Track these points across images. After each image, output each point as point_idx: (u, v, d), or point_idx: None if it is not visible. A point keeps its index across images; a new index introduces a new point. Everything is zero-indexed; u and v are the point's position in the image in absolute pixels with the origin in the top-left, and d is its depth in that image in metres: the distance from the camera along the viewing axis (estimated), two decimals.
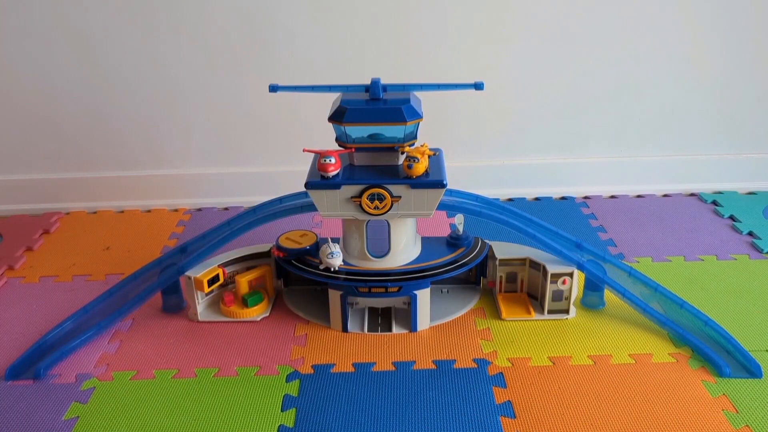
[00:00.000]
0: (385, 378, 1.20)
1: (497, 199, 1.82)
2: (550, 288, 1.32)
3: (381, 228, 1.28)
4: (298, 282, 1.45)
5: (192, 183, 1.89)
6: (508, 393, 1.15)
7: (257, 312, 1.36)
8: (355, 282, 1.28)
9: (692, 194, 1.91)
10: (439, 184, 1.20)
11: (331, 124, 1.22)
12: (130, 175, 1.88)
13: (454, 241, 1.37)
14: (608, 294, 1.36)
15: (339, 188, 1.21)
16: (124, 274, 1.52)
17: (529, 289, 1.40)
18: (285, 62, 1.74)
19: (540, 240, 1.30)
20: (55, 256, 1.66)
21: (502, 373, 1.20)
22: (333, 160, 1.20)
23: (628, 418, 1.09)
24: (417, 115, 1.19)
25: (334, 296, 1.30)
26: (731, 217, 1.75)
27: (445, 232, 1.44)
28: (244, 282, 1.36)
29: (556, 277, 1.31)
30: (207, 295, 1.38)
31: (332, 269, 1.27)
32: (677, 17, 1.72)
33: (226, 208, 1.90)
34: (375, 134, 1.22)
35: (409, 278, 1.28)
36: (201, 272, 1.32)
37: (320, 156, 1.20)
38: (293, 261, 1.33)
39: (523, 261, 1.38)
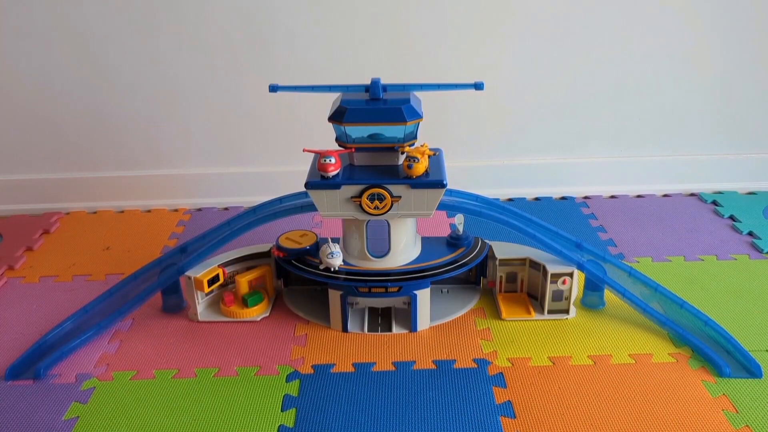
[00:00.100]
0: (385, 378, 1.20)
1: (497, 199, 1.82)
2: (550, 288, 1.32)
3: (381, 228, 1.28)
4: (298, 282, 1.45)
5: (192, 183, 1.89)
6: (508, 393, 1.15)
7: (257, 312, 1.36)
8: (355, 282, 1.28)
9: (692, 194, 1.91)
10: (439, 184, 1.20)
11: (331, 124, 1.22)
12: (130, 175, 1.88)
13: (454, 241, 1.37)
14: (608, 294, 1.36)
15: (339, 188, 1.21)
16: (124, 274, 1.52)
17: (529, 289, 1.40)
18: (285, 62, 1.74)
19: (540, 240, 1.30)
20: (55, 256, 1.66)
21: (502, 373, 1.20)
22: (333, 160, 1.20)
23: (628, 418, 1.09)
24: (417, 115, 1.19)
25: (334, 296, 1.30)
26: (731, 217, 1.75)
27: (445, 232, 1.44)
28: (244, 282, 1.36)
29: (556, 277, 1.31)
30: (207, 295, 1.38)
31: (332, 269, 1.27)
32: (677, 17, 1.73)
33: (226, 208, 1.90)
34: (375, 134, 1.22)
35: (409, 278, 1.28)
36: (201, 272, 1.32)
37: (320, 156, 1.20)
38: (293, 261, 1.33)
39: (523, 261, 1.38)
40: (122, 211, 1.90)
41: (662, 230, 1.70)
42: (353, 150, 1.24)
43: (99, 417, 1.12)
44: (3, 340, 1.33)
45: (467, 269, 1.33)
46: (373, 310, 1.37)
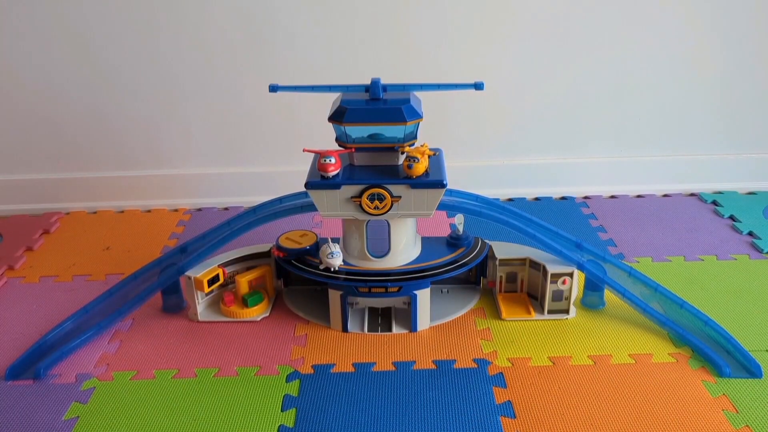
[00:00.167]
0: (385, 378, 1.20)
1: (497, 199, 1.82)
2: (550, 288, 1.32)
3: (381, 228, 1.28)
4: (298, 282, 1.45)
5: (192, 183, 1.89)
6: (508, 393, 1.15)
7: (257, 312, 1.36)
8: (355, 282, 1.28)
9: (692, 194, 1.91)
10: (439, 184, 1.20)
11: (331, 124, 1.22)
12: (130, 175, 1.88)
13: (454, 241, 1.37)
14: (608, 294, 1.36)
15: (339, 188, 1.21)
16: (124, 274, 1.52)
17: (529, 289, 1.40)
18: (285, 62, 1.74)
19: (540, 240, 1.30)
20: (55, 256, 1.66)
21: (502, 373, 1.20)
22: (333, 160, 1.20)
23: (628, 418, 1.09)
24: (417, 115, 1.19)
25: (334, 296, 1.30)
26: (731, 217, 1.75)
27: (445, 232, 1.44)
28: (244, 282, 1.36)
29: (556, 277, 1.31)
30: (207, 295, 1.38)
31: (332, 269, 1.27)
32: (677, 17, 1.73)
33: (226, 208, 1.90)
34: (375, 134, 1.22)
35: (409, 278, 1.28)
36: (201, 272, 1.32)
37: (320, 156, 1.20)
38: (293, 261, 1.33)
39: (523, 261, 1.38)
40: (122, 211, 1.90)
41: (662, 230, 1.70)
42: (353, 150, 1.24)
43: (99, 417, 1.12)
44: (3, 340, 1.33)
45: (467, 269, 1.33)
46: (373, 310, 1.37)
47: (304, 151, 1.25)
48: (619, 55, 1.76)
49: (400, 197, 1.21)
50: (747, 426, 1.07)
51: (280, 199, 1.36)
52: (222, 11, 1.69)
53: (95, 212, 1.90)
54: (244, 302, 1.36)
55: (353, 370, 1.22)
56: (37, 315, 1.41)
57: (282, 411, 1.13)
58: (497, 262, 1.37)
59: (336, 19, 1.70)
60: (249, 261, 1.41)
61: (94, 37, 1.71)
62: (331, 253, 1.26)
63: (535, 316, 1.34)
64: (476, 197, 1.35)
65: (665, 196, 1.91)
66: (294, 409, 1.13)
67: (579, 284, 1.36)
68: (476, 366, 1.22)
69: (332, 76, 1.70)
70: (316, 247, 1.33)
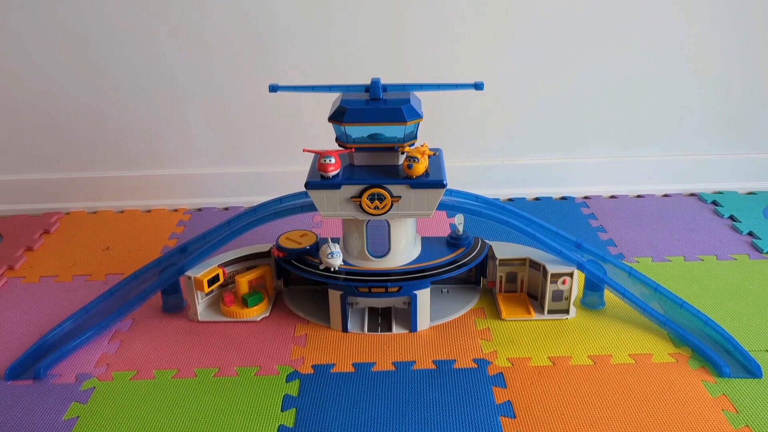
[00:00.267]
0: (385, 378, 1.20)
1: (497, 199, 1.82)
2: (550, 288, 1.32)
3: (381, 228, 1.28)
4: (298, 282, 1.45)
5: (192, 183, 1.89)
6: (508, 393, 1.15)
7: (257, 312, 1.36)
8: (355, 282, 1.28)
9: (692, 194, 1.91)
10: (439, 184, 1.20)
11: (331, 124, 1.22)
12: (130, 175, 1.88)
13: (454, 241, 1.37)
14: (608, 294, 1.36)
15: (339, 188, 1.21)
16: (124, 274, 1.52)
17: (529, 289, 1.40)
18: (285, 62, 1.74)
19: (540, 240, 1.30)
20: (55, 256, 1.66)
21: (502, 373, 1.20)
22: (333, 160, 1.20)
23: (628, 418, 1.09)
24: (417, 115, 1.19)
25: (334, 296, 1.30)
26: (731, 217, 1.75)
27: (445, 232, 1.44)
28: (244, 282, 1.36)
29: (556, 277, 1.31)
30: (207, 295, 1.38)
31: (332, 269, 1.27)
32: (677, 17, 1.72)
33: (226, 208, 1.90)
34: (375, 134, 1.22)
35: (409, 278, 1.28)
36: (201, 272, 1.32)
37: (320, 156, 1.20)
38: (293, 261, 1.33)
39: (523, 261, 1.38)
40: (122, 211, 1.90)
41: (662, 230, 1.70)
42: (353, 150, 1.24)
43: (99, 417, 1.12)
44: (3, 340, 1.33)
45: (467, 269, 1.33)
46: (373, 310, 1.37)
47: (304, 151, 1.25)
48: (619, 55, 1.76)
49: (400, 197, 1.21)
50: (747, 426, 1.07)
51: (280, 199, 1.36)
52: (222, 11, 1.69)
53: (95, 212, 1.90)
54: (244, 302, 1.36)
55: (353, 370, 1.22)
56: (37, 315, 1.41)
57: (282, 411, 1.13)
58: (497, 262, 1.37)
59: (336, 19, 1.70)
60: (249, 261, 1.41)
61: (94, 37, 1.71)
62: (331, 253, 1.26)
63: (535, 316, 1.34)
64: (476, 197, 1.35)
65: (665, 196, 1.91)
66: (294, 409, 1.13)
67: (579, 284, 1.37)
68: (476, 366, 1.22)
69: (332, 76, 1.70)
70: (316, 247, 1.33)
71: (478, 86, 1.22)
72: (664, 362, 1.22)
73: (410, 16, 1.71)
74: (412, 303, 1.29)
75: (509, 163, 1.89)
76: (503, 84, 1.78)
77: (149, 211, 1.90)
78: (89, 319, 1.34)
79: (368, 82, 1.22)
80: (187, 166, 1.88)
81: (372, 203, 1.21)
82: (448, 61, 1.75)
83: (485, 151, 1.88)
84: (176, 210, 1.90)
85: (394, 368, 1.22)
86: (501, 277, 1.39)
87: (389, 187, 1.20)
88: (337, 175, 1.21)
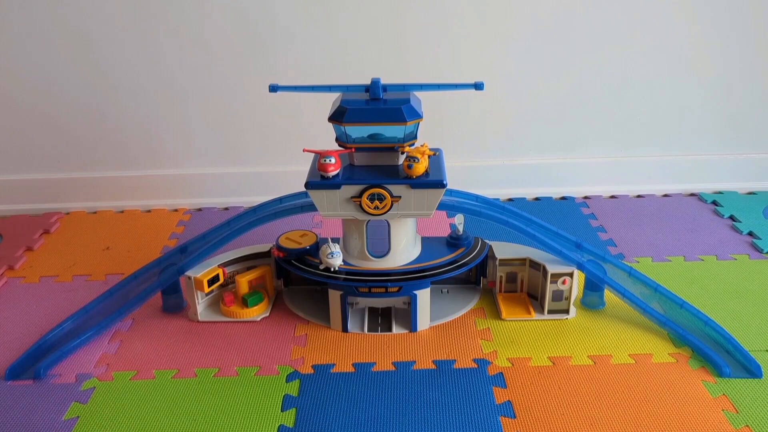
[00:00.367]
0: (385, 378, 1.20)
1: (497, 199, 1.82)
2: (550, 288, 1.32)
3: (381, 228, 1.28)
4: (298, 282, 1.45)
5: (192, 183, 1.89)
6: (508, 393, 1.15)
7: (257, 312, 1.36)
8: (355, 282, 1.28)
9: (692, 194, 1.91)
10: (439, 184, 1.20)
11: (331, 124, 1.22)
12: (130, 175, 1.88)
13: (454, 241, 1.37)
14: (608, 294, 1.36)
15: (339, 188, 1.21)
16: (124, 274, 1.52)
17: (529, 289, 1.40)
18: (285, 62, 1.74)
19: (540, 240, 1.30)
20: (55, 256, 1.66)
21: (502, 373, 1.20)
22: (333, 160, 1.20)
23: (628, 418, 1.09)
24: (417, 115, 1.19)
25: (334, 296, 1.30)
26: (731, 217, 1.75)
27: (445, 232, 1.44)
28: (244, 282, 1.36)
29: (556, 277, 1.31)
30: (207, 295, 1.38)
31: (332, 269, 1.27)
32: (677, 17, 1.72)
33: (226, 208, 1.90)
34: (375, 134, 1.22)
35: (409, 278, 1.28)
36: (201, 272, 1.32)
37: (320, 156, 1.20)
38: (293, 261, 1.33)
39: (523, 261, 1.38)
40: (122, 211, 1.90)
41: (662, 230, 1.70)
42: (353, 150, 1.24)
43: (99, 417, 1.12)
44: (3, 340, 1.33)
45: (467, 269, 1.33)
46: (373, 310, 1.37)
47: (304, 151, 1.25)
48: (619, 55, 1.76)
49: (400, 197, 1.21)
50: (747, 426, 1.07)
51: (280, 199, 1.36)
52: (222, 11, 1.69)
53: (95, 212, 1.90)
54: (244, 302, 1.36)
55: (353, 370, 1.22)
56: (37, 315, 1.41)
57: (282, 411, 1.13)
58: (497, 262, 1.37)
59: (336, 19, 1.70)
60: (249, 261, 1.41)
61: (94, 37, 1.71)
62: (331, 253, 1.26)
63: (535, 316, 1.34)
64: (476, 197, 1.35)
65: (665, 196, 1.91)
66: (294, 409, 1.13)
67: (579, 284, 1.37)
68: (476, 366, 1.22)
69: (332, 76, 1.70)
70: (316, 247, 1.33)
71: (478, 86, 1.22)
72: (664, 362, 1.22)
73: (410, 16, 1.71)
74: (412, 303, 1.29)
75: (509, 163, 1.89)
76: (503, 84, 1.78)
77: (149, 211, 1.90)
78: (89, 319, 1.34)
79: (368, 82, 1.22)
80: (187, 166, 1.88)
81: (372, 203, 1.21)
82: (448, 61, 1.75)
83: (485, 151, 1.88)
84: (176, 210, 1.91)
85: (394, 368, 1.22)
86: (501, 277, 1.39)
87: (389, 187, 1.20)
88: (337, 175, 1.21)
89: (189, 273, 1.32)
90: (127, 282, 1.40)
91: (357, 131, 1.21)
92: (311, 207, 1.25)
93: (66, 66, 1.74)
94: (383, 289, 1.28)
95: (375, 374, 1.21)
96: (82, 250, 1.68)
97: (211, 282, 1.33)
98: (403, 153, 1.24)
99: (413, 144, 1.24)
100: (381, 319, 1.35)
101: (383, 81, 1.21)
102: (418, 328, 1.32)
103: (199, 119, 1.82)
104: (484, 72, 1.72)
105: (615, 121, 1.85)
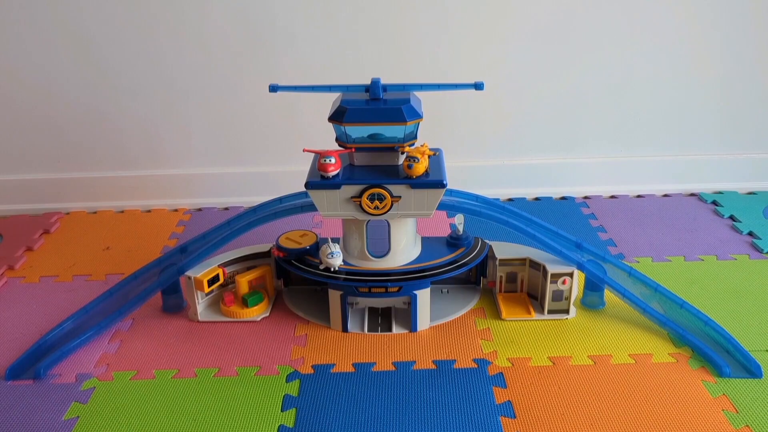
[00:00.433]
0: (385, 378, 1.20)
1: (497, 199, 1.82)
2: (550, 288, 1.32)
3: (381, 228, 1.28)
4: (298, 282, 1.45)
5: (192, 183, 1.89)
6: (508, 393, 1.15)
7: (257, 312, 1.36)
8: (355, 282, 1.28)
9: (692, 194, 1.91)
10: (439, 184, 1.20)
11: (331, 124, 1.22)
12: (130, 175, 1.88)
13: (454, 241, 1.37)
14: (608, 294, 1.36)
15: (339, 188, 1.21)
16: (124, 274, 1.52)
17: (529, 289, 1.40)
18: (285, 62, 1.74)
19: (540, 240, 1.30)
20: (55, 256, 1.66)
21: (502, 373, 1.20)
22: (333, 160, 1.20)
23: (628, 418, 1.09)
24: (417, 115, 1.19)
25: (334, 296, 1.30)
26: (731, 217, 1.75)
27: (445, 232, 1.44)
28: (244, 282, 1.36)
29: (556, 277, 1.31)
30: (207, 295, 1.38)
31: (332, 269, 1.27)
32: (677, 17, 1.72)
33: (226, 208, 1.90)
34: (375, 134, 1.22)
35: (409, 278, 1.28)
36: (201, 272, 1.32)
37: (320, 156, 1.20)
38: (293, 261, 1.33)
39: (523, 261, 1.38)
40: (122, 211, 1.90)
41: (662, 230, 1.70)
42: (353, 150, 1.24)
43: (99, 417, 1.12)
44: (3, 340, 1.33)
45: (467, 269, 1.33)
46: (373, 310, 1.37)
47: (304, 151, 1.25)
48: (619, 55, 1.76)
49: (400, 197, 1.21)
50: (747, 426, 1.07)
51: (280, 199, 1.36)
52: (222, 11, 1.69)
53: (95, 212, 1.90)
54: (244, 302, 1.36)
55: (353, 370, 1.22)
56: (37, 315, 1.41)
57: (282, 411, 1.13)
58: (497, 262, 1.37)
59: (336, 19, 1.70)
60: (249, 261, 1.41)
61: (94, 37, 1.71)
62: (331, 253, 1.26)
63: (535, 316, 1.34)
64: (476, 197, 1.35)
65: (665, 196, 1.91)
66: (294, 409, 1.13)
67: (579, 284, 1.37)
68: (476, 366, 1.22)
69: (332, 76, 1.70)
70: (316, 247, 1.33)
71: (478, 86, 1.22)
72: (664, 362, 1.22)
73: (410, 16, 1.71)
74: (412, 303, 1.29)
75: (509, 163, 1.89)
76: (503, 84, 1.78)
77: (149, 211, 1.90)
78: (89, 319, 1.34)
79: (368, 82, 1.22)
80: (187, 166, 1.88)
81: (372, 203, 1.21)
82: (448, 61, 1.75)
83: (485, 151, 1.88)
84: (176, 210, 1.91)
85: (394, 368, 1.22)
86: (501, 277, 1.39)
87: (389, 187, 1.20)
88: (337, 175, 1.21)
89: (189, 273, 1.32)
90: (127, 282, 1.40)
91: (357, 131, 1.21)
92: (311, 207, 1.25)
93: (66, 66, 1.74)
94: (383, 289, 1.28)
95: (375, 374, 1.21)
96: (82, 250, 1.68)
97: (211, 282, 1.33)
98: (403, 153, 1.24)
99: (413, 144, 1.24)
100: (381, 319, 1.35)
101: (383, 81, 1.21)
102: (418, 328, 1.32)
103: (199, 119, 1.82)
104: (484, 72, 1.72)
105: (615, 121, 1.85)
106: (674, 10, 1.71)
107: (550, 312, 1.34)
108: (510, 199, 1.91)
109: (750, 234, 1.67)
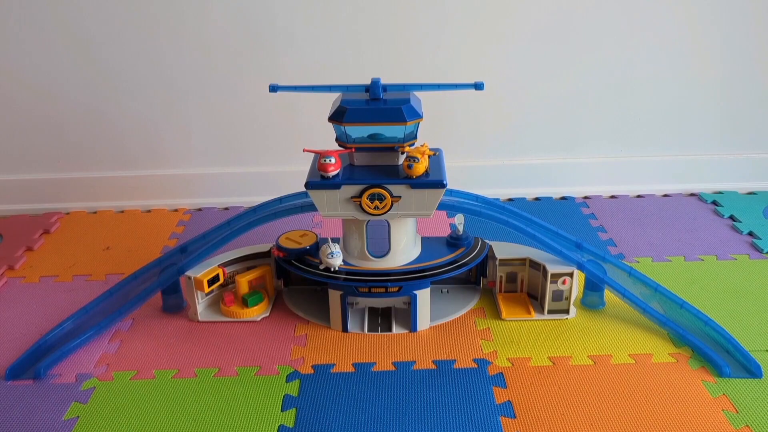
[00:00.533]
0: (385, 378, 1.20)
1: (497, 199, 1.82)
2: (550, 288, 1.32)
3: (381, 228, 1.28)
4: (298, 282, 1.45)
5: (192, 183, 1.89)
6: (508, 393, 1.15)
7: (257, 312, 1.36)
8: (355, 282, 1.28)
9: (692, 194, 1.91)
10: (439, 184, 1.20)
11: (331, 124, 1.22)
12: (130, 175, 1.88)
13: (454, 241, 1.37)
14: (608, 294, 1.36)
15: (339, 188, 1.21)
16: (124, 274, 1.52)
17: (529, 289, 1.40)
18: (285, 62, 1.74)
19: (540, 240, 1.30)
20: (55, 256, 1.66)
21: (502, 373, 1.20)
22: (333, 160, 1.20)
23: (628, 418, 1.09)
24: (417, 115, 1.19)
25: (334, 296, 1.30)
26: (731, 217, 1.75)
27: (445, 232, 1.44)
28: (244, 282, 1.36)
29: (556, 277, 1.31)
30: (207, 295, 1.38)
31: (332, 269, 1.27)
32: (677, 17, 1.72)
33: (226, 208, 1.90)
34: (375, 134, 1.22)
35: (409, 278, 1.28)
36: (201, 272, 1.32)
37: (320, 156, 1.20)
38: (293, 261, 1.33)
39: (523, 261, 1.38)
40: (122, 211, 1.90)
41: (662, 230, 1.70)
42: (353, 150, 1.24)
43: (99, 417, 1.12)
44: (3, 340, 1.33)
45: (467, 269, 1.33)
46: (373, 310, 1.37)
47: (304, 151, 1.25)
48: (619, 55, 1.76)
49: (400, 197, 1.21)
50: (747, 426, 1.07)
51: (280, 199, 1.36)
52: (222, 11, 1.69)
53: (95, 212, 1.90)
54: (244, 302, 1.36)
55: (353, 370, 1.22)
56: (37, 315, 1.41)
57: (282, 411, 1.13)
58: (497, 262, 1.37)
59: (336, 19, 1.70)
60: (249, 261, 1.41)
61: (94, 37, 1.71)
62: (331, 253, 1.26)
63: (535, 316, 1.34)
64: (476, 197, 1.35)
65: (665, 196, 1.91)
66: (294, 409, 1.13)
67: (579, 284, 1.37)
68: (476, 366, 1.22)
69: (332, 76, 1.70)
70: (316, 247, 1.33)
71: (478, 86, 1.22)
72: (664, 362, 1.22)
73: (410, 16, 1.71)
74: (412, 303, 1.29)
75: (509, 163, 1.89)
76: (503, 84, 1.78)
77: (149, 211, 1.90)
78: (89, 319, 1.34)
79: (368, 82, 1.22)
80: (187, 166, 1.88)
81: (372, 203, 1.21)
82: (448, 61, 1.75)
83: (485, 151, 1.88)
84: (176, 210, 1.91)
85: (394, 368, 1.22)
86: (501, 277, 1.39)
87: (389, 187, 1.20)
88: (337, 175, 1.21)
89: (189, 273, 1.32)
90: (127, 282, 1.40)
91: (357, 131, 1.21)
92: (311, 207, 1.25)
93: (66, 66, 1.74)
94: (383, 289, 1.28)
95: (375, 374, 1.21)
96: (82, 250, 1.68)
97: (211, 282, 1.33)
98: (403, 153, 1.24)
99: (413, 144, 1.24)
100: (381, 319, 1.35)
101: (383, 81, 1.21)
102: (418, 328, 1.32)
103: (199, 119, 1.82)
104: (484, 72, 1.72)
105: (615, 121, 1.85)
106: (674, 10, 1.71)
107: (550, 312, 1.34)
108: (510, 199, 1.91)
109: (750, 234, 1.67)
